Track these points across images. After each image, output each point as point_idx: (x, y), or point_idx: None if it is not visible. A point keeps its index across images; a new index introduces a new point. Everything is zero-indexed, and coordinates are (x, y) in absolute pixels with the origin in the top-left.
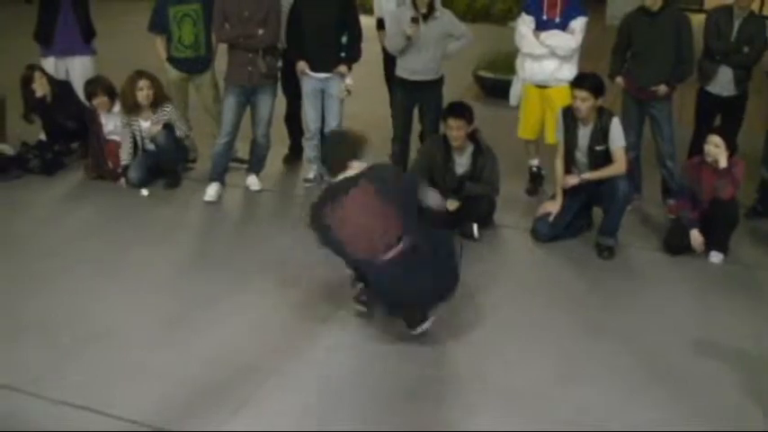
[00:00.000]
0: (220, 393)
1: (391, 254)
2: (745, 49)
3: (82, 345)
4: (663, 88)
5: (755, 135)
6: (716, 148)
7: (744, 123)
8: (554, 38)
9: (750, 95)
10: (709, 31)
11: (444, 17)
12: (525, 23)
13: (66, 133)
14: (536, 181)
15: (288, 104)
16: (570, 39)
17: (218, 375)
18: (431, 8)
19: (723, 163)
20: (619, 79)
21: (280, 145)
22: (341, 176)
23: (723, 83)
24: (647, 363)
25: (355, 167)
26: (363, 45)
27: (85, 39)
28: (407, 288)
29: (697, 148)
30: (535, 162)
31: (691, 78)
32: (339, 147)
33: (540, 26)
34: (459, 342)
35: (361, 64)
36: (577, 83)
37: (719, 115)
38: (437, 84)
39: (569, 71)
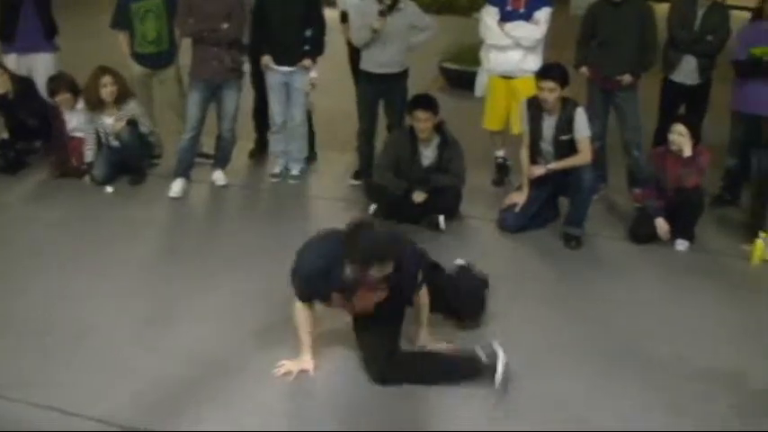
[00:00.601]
0: (192, 390)
1: None
2: (709, 38)
3: (50, 345)
4: (627, 78)
5: (720, 124)
6: (680, 137)
7: (708, 112)
8: (519, 29)
9: (714, 84)
10: (673, 21)
11: (408, 9)
12: (490, 14)
13: (29, 131)
14: (502, 172)
15: (256, 99)
16: (535, 29)
17: (190, 372)
18: (395, 0)
19: (687, 151)
20: (584, 69)
21: (245, 140)
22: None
23: (687, 72)
24: (616, 351)
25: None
26: (328, 38)
27: (48, 35)
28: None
29: (662, 137)
30: (501, 153)
31: (655, 68)
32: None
33: (505, 17)
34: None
35: (327, 57)
36: (543, 73)
37: (684, 104)
38: (402, 76)
39: (534, 62)
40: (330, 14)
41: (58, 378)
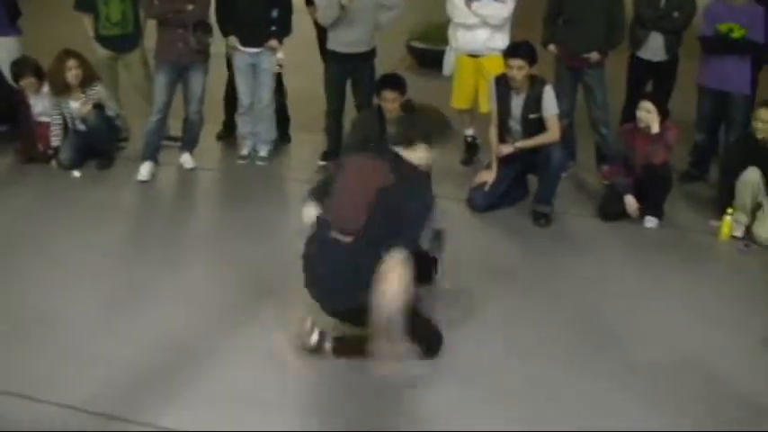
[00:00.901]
0: (160, 376)
1: (338, 236)
2: (675, 15)
3: (19, 331)
4: (595, 55)
5: (688, 100)
6: (647, 114)
7: (676, 88)
8: (486, 7)
9: (681, 60)
10: None
11: None
12: None
13: None
14: (471, 151)
15: (229, 80)
16: (502, 8)
17: (158, 358)
18: None
19: (655, 128)
20: (552, 47)
21: (213, 123)
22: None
23: (654, 48)
24: (585, 328)
25: (417, 153)
26: (295, 19)
27: (10, 19)
28: (311, 273)
29: (630, 114)
30: (470, 132)
31: (621, 45)
32: (419, 120)
33: None
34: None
35: (294, 38)
36: (511, 51)
37: (651, 81)
38: (370, 56)
39: (502, 40)
40: None
41: (25, 365)
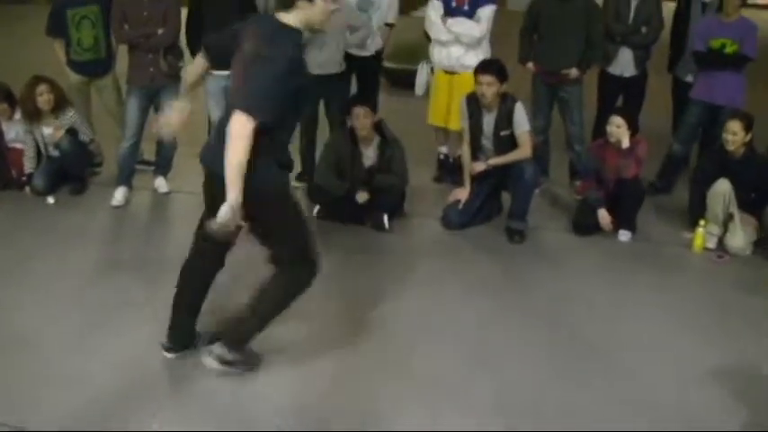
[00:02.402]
0: (136, 398)
1: None
2: (644, 30)
3: None
4: (574, 71)
5: (658, 114)
6: (618, 129)
7: (646, 103)
8: (459, 25)
9: (650, 75)
10: (608, 13)
11: (345, 8)
12: (434, 9)
13: None
14: (443, 168)
15: None
16: (475, 27)
17: (133, 380)
18: None
19: (626, 143)
20: (530, 64)
21: (195, 145)
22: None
23: (623, 64)
24: (562, 341)
25: (292, 15)
26: None
27: None
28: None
29: (601, 129)
30: (444, 150)
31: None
32: None
33: (449, 12)
34: (374, 332)
35: None
36: (482, 68)
37: (621, 96)
38: (341, 77)
39: (476, 58)
40: None
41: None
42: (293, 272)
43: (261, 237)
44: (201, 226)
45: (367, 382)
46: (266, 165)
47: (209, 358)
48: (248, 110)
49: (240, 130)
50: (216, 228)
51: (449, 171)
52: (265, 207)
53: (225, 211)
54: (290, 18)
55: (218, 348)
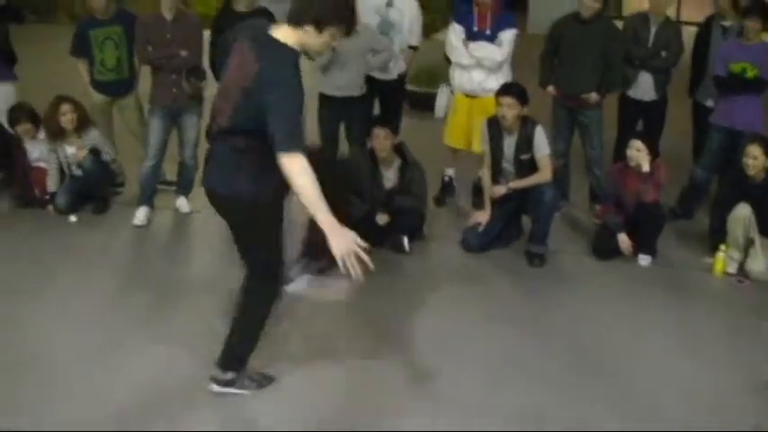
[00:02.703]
0: (153, 416)
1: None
2: (663, 54)
3: (12, 373)
4: (594, 96)
5: (678, 138)
6: (638, 153)
7: (666, 127)
8: (481, 49)
9: (671, 99)
10: (628, 38)
11: (365, 32)
12: (455, 33)
13: None
14: (445, 191)
15: None
16: (496, 51)
17: (150, 399)
18: None
19: (645, 167)
20: (550, 88)
21: None
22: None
23: (644, 88)
24: (582, 367)
25: (291, 32)
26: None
27: (6, 65)
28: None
29: (621, 153)
30: (450, 172)
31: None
32: None
33: (471, 37)
34: (392, 353)
35: None
36: (503, 91)
37: (642, 120)
38: (362, 99)
39: (497, 82)
40: None
41: (16, 406)
42: (262, 286)
43: (242, 247)
44: None
45: (383, 400)
46: (266, 178)
47: (210, 381)
48: (291, 149)
49: (297, 168)
50: (343, 268)
51: (450, 193)
52: (256, 218)
53: (336, 248)
54: (288, 36)
55: (213, 370)
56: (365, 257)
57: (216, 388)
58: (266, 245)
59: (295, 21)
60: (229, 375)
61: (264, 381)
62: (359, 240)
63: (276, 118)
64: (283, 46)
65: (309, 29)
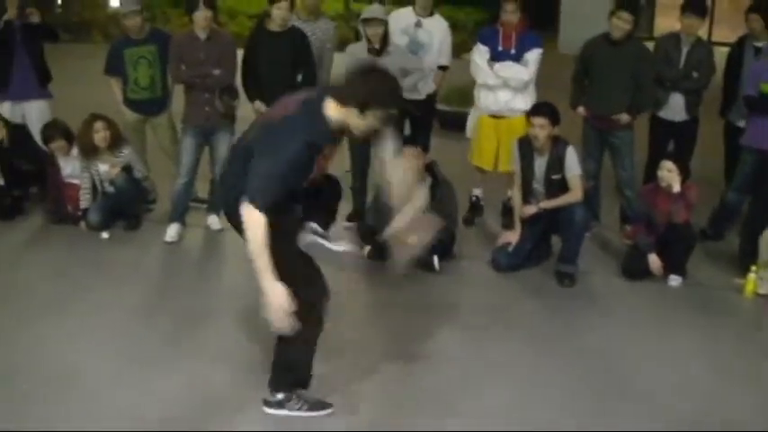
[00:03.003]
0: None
1: None
2: (695, 75)
3: (41, 390)
4: (625, 117)
5: (709, 159)
6: (669, 173)
7: (697, 147)
8: (507, 69)
9: (702, 119)
10: (659, 59)
11: (397, 52)
12: (480, 53)
13: (24, 177)
14: (474, 211)
15: None
16: (523, 71)
17: (182, 414)
18: (384, 43)
19: (676, 188)
20: (581, 109)
21: None
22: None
23: (675, 109)
24: (610, 387)
25: (338, 108)
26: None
27: (41, 82)
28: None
29: (651, 173)
30: (477, 192)
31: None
32: (364, 80)
33: (496, 57)
34: (420, 371)
35: None
36: (534, 111)
37: (673, 141)
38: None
39: (523, 102)
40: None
41: (47, 419)
42: (304, 316)
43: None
44: None
45: (411, 418)
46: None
47: (262, 403)
48: (254, 201)
49: (251, 220)
50: (273, 325)
51: (479, 213)
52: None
53: (266, 304)
54: (334, 111)
55: (267, 393)
56: (291, 318)
57: (266, 410)
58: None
59: (340, 99)
60: (279, 397)
61: (319, 405)
62: (288, 301)
63: (256, 168)
64: (320, 115)
65: (353, 110)
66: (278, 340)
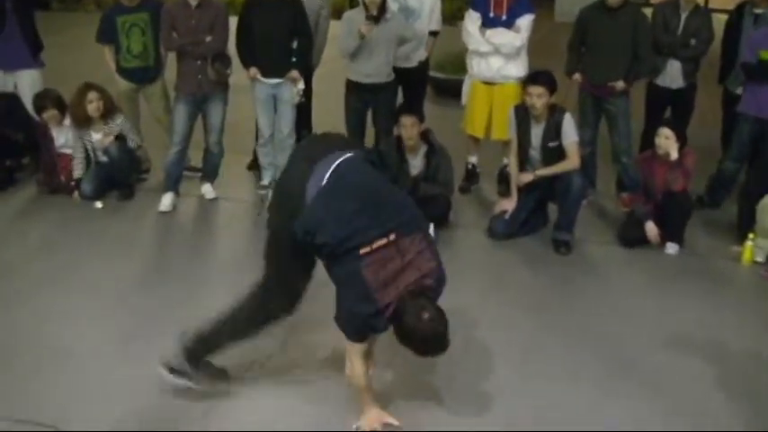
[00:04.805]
0: (181, 406)
1: None
2: (692, 42)
3: (37, 364)
4: (621, 84)
5: (706, 127)
6: (666, 141)
7: (694, 115)
8: (499, 36)
9: (700, 87)
10: (657, 25)
11: (395, 19)
12: (472, 20)
13: (16, 147)
14: (470, 179)
15: None
16: (515, 37)
17: (175, 391)
18: (381, 10)
19: (674, 155)
20: (577, 75)
21: (244, 153)
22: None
23: (672, 76)
24: (609, 357)
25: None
26: (327, 51)
27: (33, 52)
28: None
29: (648, 141)
30: (473, 160)
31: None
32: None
33: (487, 23)
34: None
35: (326, 69)
36: (532, 79)
37: (669, 108)
38: (390, 86)
39: (515, 68)
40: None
41: (44, 395)
42: (266, 298)
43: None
44: None
45: (407, 395)
46: None
47: (161, 361)
48: (350, 339)
49: (354, 350)
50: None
51: (474, 181)
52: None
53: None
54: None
55: (169, 352)
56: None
57: (161, 371)
58: (276, 272)
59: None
60: (177, 364)
61: (211, 377)
62: (388, 419)
63: (339, 307)
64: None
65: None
66: (228, 314)
